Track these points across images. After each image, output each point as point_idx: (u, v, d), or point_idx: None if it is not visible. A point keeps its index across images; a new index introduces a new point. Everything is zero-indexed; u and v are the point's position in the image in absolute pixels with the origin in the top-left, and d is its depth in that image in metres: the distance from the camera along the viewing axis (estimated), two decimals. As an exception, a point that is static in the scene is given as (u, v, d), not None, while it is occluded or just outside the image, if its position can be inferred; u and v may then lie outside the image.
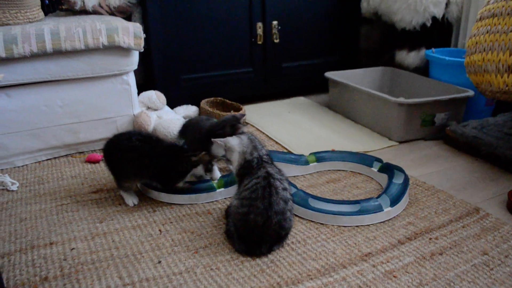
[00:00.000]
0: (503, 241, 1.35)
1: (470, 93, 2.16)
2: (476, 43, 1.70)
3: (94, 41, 1.79)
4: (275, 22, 2.57)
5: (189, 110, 2.37)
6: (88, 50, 1.81)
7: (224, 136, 1.38)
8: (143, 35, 1.90)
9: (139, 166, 1.49)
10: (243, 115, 1.62)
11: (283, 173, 1.30)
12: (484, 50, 1.65)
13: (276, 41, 2.61)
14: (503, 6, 1.60)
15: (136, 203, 1.55)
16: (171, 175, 1.53)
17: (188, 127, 1.81)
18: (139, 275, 1.20)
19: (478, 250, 1.31)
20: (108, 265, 1.24)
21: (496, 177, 1.78)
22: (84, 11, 2.32)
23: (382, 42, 3.14)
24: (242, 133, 1.44)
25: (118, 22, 1.87)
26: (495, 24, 1.62)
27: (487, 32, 1.65)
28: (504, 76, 1.59)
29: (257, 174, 1.25)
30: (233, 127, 1.56)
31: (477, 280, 1.18)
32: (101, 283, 1.16)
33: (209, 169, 1.65)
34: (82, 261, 1.26)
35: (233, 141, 1.34)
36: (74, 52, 1.79)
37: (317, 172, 1.81)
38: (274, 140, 2.11)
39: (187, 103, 2.43)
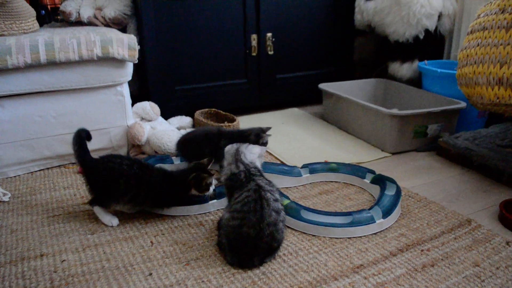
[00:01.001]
0: (495, 253, 1.35)
1: (462, 104, 2.17)
2: (467, 55, 1.72)
3: (88, 53, 1.80)
4: (269, 34, 2.59)
5: (183, 121, 2.38)
6: (82, 61, 1.82)
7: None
8: (137, 47, 1.91)
9: (137, 194, 1.45)
10: (269, 128, 1.72)
11: (273, 184, 1.30)
12: (475, 62, 1.67)
13: (271, 52, 2.63)
14: (493, 20, 1.62)
15: (115, 224, 1.49)
16: (175, 201, 1.53)
17: (192, 140, 1.81)
18: (129, 287, 1.19)
19: (470, 261, 1.31)
20: (98, 277, 1.23)
21: (488, 189, 1.78)
22: (79, 23, 2.34)
23: (375, 54, 3.17)
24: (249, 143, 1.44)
25: (113, 33, 1.88)
26: (485, 37, 1.64)
27: (478, 45, 1.67)
28: (494, 88, 1.60)
29: (247, 187, 1.25)
30: (257, 136, 1.67)
31: (469, 292, 1.18)
32: (92, 296, 1.16)
33: None
34: (72, 273, 1.25)
35: (227, 148, 1.36)
36: (68, 63, 1.80)
37: (310, 183, 1.81)
38: (268, 151, 2.11)
39: (181, 114, 2.44)
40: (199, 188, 1.47)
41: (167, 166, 1.81)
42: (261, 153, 1.38)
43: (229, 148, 1.38)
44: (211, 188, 1.49)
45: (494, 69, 1.59)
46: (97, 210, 1.49)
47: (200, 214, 1.56)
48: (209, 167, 1.49)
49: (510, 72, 1.54)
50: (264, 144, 1.70)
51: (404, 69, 2.70)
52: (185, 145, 1.81)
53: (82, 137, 1.51)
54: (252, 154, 1.34)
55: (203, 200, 1.57)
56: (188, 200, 1.54)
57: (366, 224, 1.43)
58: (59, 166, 1.96)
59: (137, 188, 1.44)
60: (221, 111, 2.46)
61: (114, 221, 1.49)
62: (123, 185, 1.43)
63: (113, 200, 1.47)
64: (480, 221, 1.54)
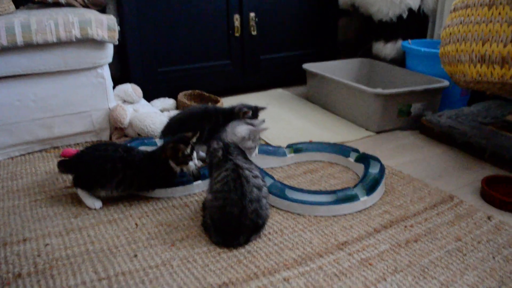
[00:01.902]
0: (476, 228, 1.38)
1: (446, 83, 2.19)
2: (450, 34, 1.72)
3: (66, 34, 1.75)
4: (252, 14, 2.56)
5: (166, 103, 2.35)
6: (60, 43, 1.78)
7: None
8: (117, 28, 1.87)
9: (124, 177, 1.44)
10: (263, 108, 1.73)
11: (251, 161, 1.30)
12: (458, 40, 1.67)
13: (254, 33, 2.60)
14: (476, -3, 1.62)
15: (98, 206, 1.47)
16: (158, 180, 1.52)
17: (189, 119, 1.74)
18: (114, 269, 1.18)
19: (452, 236, 1.33)
20: (83, 260, 1.22)
21: (470, 166, 1.81)
22: (57, 4, 2.26)
23: (359, 34, 3.16)
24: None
25: (92, 14, 1.83)
26: (468, 15, 1.64)
27: (461, 23, 1.67)
28: (477, 66, 1.61)
29: (225, 167, 1.25)
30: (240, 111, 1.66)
31: (451, 265, 1.20)
32: (76, 278, 1.15)
33: None
34: (56, 257, 1.24)
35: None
36: (46, 45, 1.75)
37: (295, 163, 1.81)
38: (252, 132, 2.11)
39: (164, 96, 2.41)
40: (176, 159, 1.44)
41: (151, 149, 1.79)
42: (247, 136, 1.33)
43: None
44: (192, 164, 1.47)
45: (477, 47, 1.60)
46: (81, 192, 1.48)
47: (185, 195, 1.56)
48: (193, 139, 1.46)
49: (492, 49, 1.55)
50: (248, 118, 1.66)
51: (388, 49, 2.70)
52: (180, 124, 1.71)
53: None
54: (235, 135, 1.32)
55: (187, 181, 1.56)
56: (172, 178, 1.52)
57: (351, 202, 1.44)
58: (40, 150, 1.92)
59: (123, 170, 1.43)
60: (205, 93, 2.44)
61: (97, 203, 1.48)
62: (110, 169, 1.42)
63: (101, 185, 1.45)
64: (463, 197, 1.56)
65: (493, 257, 1.24)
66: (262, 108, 1.74)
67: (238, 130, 1.30)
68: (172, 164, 1.46)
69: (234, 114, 1.66)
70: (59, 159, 1.67)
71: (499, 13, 1.53)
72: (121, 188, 1.47)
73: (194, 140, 1.46)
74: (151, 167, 1.47)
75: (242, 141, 1.30)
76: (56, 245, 1.29)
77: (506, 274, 1.17)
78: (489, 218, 1.43)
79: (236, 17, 2.53)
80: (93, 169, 1.44)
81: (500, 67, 1.54)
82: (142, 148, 1.75)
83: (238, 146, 1.30)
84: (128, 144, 1.80)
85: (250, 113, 1.65)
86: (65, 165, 1.53)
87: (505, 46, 1.51)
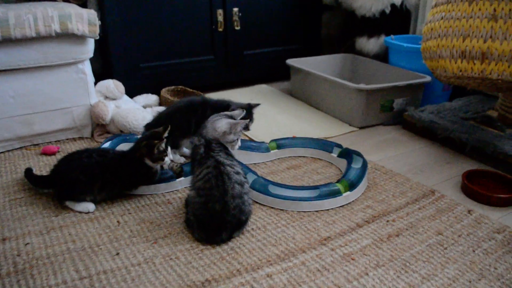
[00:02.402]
0: (457, 221, 1.39)
1: (427, 79, 2.21)
2: (432, 29, 1.74)
3: (46, 29, 1.72)
4: (235, 9, 2.55)
5: (149, 99, 2.33)
6: (40, 38, 1.74)
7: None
8: (98, 22, 1.85)
9: (105, 181, 1.43)
10: (258, 104, 1.72)
11: (233, 157, 1.30)
12: (439, 36, 1.69)
13: (237, 28, 2.59)
14: (456, -7, 1.64)
15: (92, 209, 1.43)
16: (138, 179, 1.50)
17: (175, 112, 1.72)
18: (96, 267, 1.17)
19: (433, 230, 1.35)
20: (64, 259, 1.20)
21: (451, 160, 1.83)
22: (36, -2, 2.23)
23: (343, 29, 3.17)
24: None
25: (72, 8, 1.80)
26: (449, 11, 1.66)
27: (442, 18, 1.68)
28: (458, 61, 1.63)
29: (206, 164, 1.24)
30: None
31: (432, 259, 1.22)
32: (57, 278, 1.13)
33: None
34: (37, 256, 1.22)
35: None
36: (25, 40, 1.72)
37: (278, 158, 1.81)
38: (236, 128, 2.10)
39: (147, 92, 2.38)
40: (151, 156, 1.43)
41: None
42: (227, 130, 1.31)
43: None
44: (167, 159, 1.46)
45: (457, 42, 1.61)
46: (68, 203, 1.45)
47: (167, 192, 1.55)
48: (165, 134, 1.44)
49: (473, 45, 1.56)
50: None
51: (370, 44, 2.71)
52: (167, 118, 1.67)
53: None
54: (215, 131, 1.30)
55: (170, 178, 1.55)
56: (152, 175, 1.50)
57: (333, 197, 1.45)
58: (20, 148, 1.89)
59: (102, 175, 1.42)
60: (188, 88, 2.42)
61: (90, 206, 1.44)
62: (88, 177, 1.41)
63: (85, 193, 1.43)
64: (444, 191, 1.58)
65: (473, 250, 1.26)
66: (256, 105, 1.73)
67: (218, 125, 1.29)
68: (148, 162, 1.44)
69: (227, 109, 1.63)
70: (38, 174, 1.63)
71: (479, 9, 1.54)
72: (105, 192, 1.45)
73: (166, 134, 1.45)
74: (129, 167, 1.46)
75: (223, 136, 1.29)
76: (36, 244, 1.27)
77: (486, 267, 1.19)
78: (469, 212, 1.45)
79: (220, 12, 2.51)
80: (71, 181, 1.41)
81: (480, 63, 1.56)
82: (125, 145, 1.74)
83: (220, 142, 1.29)
84: (109, 142, 1.78)
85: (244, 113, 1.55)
86: (43, 182, 1.53)
87: (485, 41, 1.53)
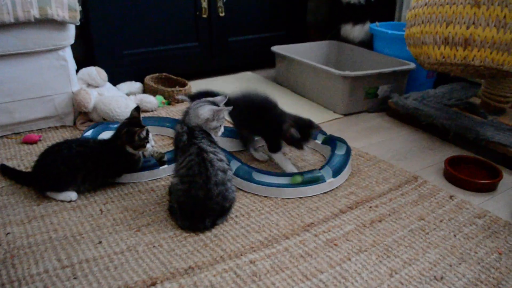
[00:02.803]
0: (439, 207, 1.41)
1: (412, 65, 2.21)
2: (415, 15, 1.74)
3: (24, 14, 1.68)
4: (220, -5, 2.52)
5: (133, 87, 2.30)
6: (18, 24, 1.70)
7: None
8: (78, 8, 1.81)
9: (88, 171, 1.41)
10: (318, 127, 1.56)
11: (216, 144, 1.29)
12: (422, 22, 1.69)
13: (222, 14, 2.56)
14: (440, -21, 1.63)
15: (74, 198, 1.42)
16: (121, 167, 1.49)
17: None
18: (78, 256, 1.16)
19: (415, 216, 1.36)
20: (45, 248, 1.19)
21: (434, 147, 1.85)
22: (15, -17, 2.18)
23: (328, 16, 3.16)
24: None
25: (51, -7, 1.76)
26: (432, -3, 1.66)
27: (425, 4, 1.68)
28: (441, 48, 1.63)
29: (189, 151, 1.23)
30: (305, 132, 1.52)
31: (413, 244, 1.23)
32: (38, 267, 1.12)
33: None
34: (18, 246, 1.20)
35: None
36: (3, 26, 1.67)
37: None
38: (221, 116, 2.09)
39: (130, 79, 2.35)
40: (132, 143, 1.42)
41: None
42: (210, 117, 1.30)
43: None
44: (149, 146, 1.45)
45: (441, 29, 1.61)
46: (50, 193, 1.42)
47: (151, 180, 1.53)
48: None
49: (456, 31, 1.57)
50: None
51: (356, 31, 2.71)
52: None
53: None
54: (198, 118, 1.29)
55: (153, 165, 1.54)
56: (135, 163, 1.49)
57: (317, 184, 1.45)
58: (0, 137, 1.86)
59: (84, 164, 1.40)
60: (172, 76, 2.40)
61: (73, 194, 1.42)
62: (70, 167, 1.39)
63: (68, 185, 1.41)
64: (426, 177, 1.59)
65: (454, 235, 1.27)
66: (317, 127, 1.55)
67: (201, 112, 1.28)
68: (130, 149, 1.43)
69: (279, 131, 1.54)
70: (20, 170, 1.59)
71: (462, -5, 1.55)
72: (88, 183, 1.43)
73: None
74: (110, 155, 1.44)
75: (206, 123, 1.28)
76: (17, 233, 1.25)
77: (466, 251, 1.21)
78: (451, 197, 1.47)
79: (204, -2, 2.48)
80: (53, 173, 1.39)
81: (463, 49, 1.57)
82: (108, 133, 1.72)
83: (202, 129, 1.28)
84: (92, 130, 1.76)
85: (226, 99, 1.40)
86: (24, 178, 1.50)
87: (467, 28, 1.54)
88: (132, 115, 1.47)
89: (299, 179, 1.45)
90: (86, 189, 1.45)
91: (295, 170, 1.56)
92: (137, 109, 1.47)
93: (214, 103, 1.33)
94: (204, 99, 1.36)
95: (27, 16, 1.68)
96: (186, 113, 1.31)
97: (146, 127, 1.43)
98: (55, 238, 1.23)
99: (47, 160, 1.42)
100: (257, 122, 1.61)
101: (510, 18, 1.50)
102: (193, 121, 1.28)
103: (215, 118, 1.28)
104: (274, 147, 1.58)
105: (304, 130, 1.49)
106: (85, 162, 1.40)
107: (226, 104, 1.36)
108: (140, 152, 1.48)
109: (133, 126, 1.42)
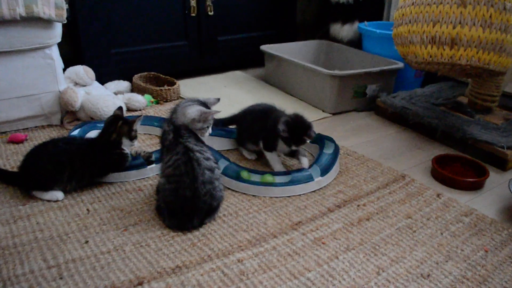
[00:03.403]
0: (426, 205, 1.42)
1: (400, 65, 2.23)
2: (403, 15, 1.74)
3: (10, 12, 1.66)
4: (208, -6, 2.51)
5: (121, 86, 2.28)
6: (4, 22, 1.68)
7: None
8: (65, 6, 1.79)
9: (74, 169, 1.40)
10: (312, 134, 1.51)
11: (203, 143, 1.28)
12: (410, 22, 1.70)
13: (211, 13, 2.56)
14: (427, -21, 1.64)
15: (60, 197, 1.40)
16: (109, 165, 1.48)
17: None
18: (64, 256, 1.15)
19: (403, 214, 1.37)
20: (31, 248, 1.18)
21: (422, 145, 1.86)
22: (0, -20, 2.15)
23: (317, 16, 3.17)
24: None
25: (37, -9, 1.74)
26: (420, -4, 1.67)
27: (413, 4, 1.69)
28: (428, 47, 1.64)
29: (175, 150, 1.22)
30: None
31: (401, 242, 1.24)
32: (24, 267, 1.11)
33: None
34: (3, 246, 1.19)
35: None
36: (-12, 24, 1.66)
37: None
38: (210, 115, 2.08)
39: (118, 78, 2.34)
40: (129, 134, 1.46)
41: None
42: (197, 118, 1.29)
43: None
44: (136, 142, 1.50)
45: (428, 28, 1.62)
46: (36, 193, 1.41)
47: (138, 179, 1.53)
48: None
49: (443, 30, 1.58)
50: None
51: (345, 31, 2.72)
52: (240, 118, 1.71)
53: None
54: (184, 117, 1.28)
55: (141, 164, 1.53)
56: (124, 160, 1.49)
57: (305, 183, 1.45)
58: (-14, 135, 1.84)
59: (70, 162, 1.39)
60: (161, 75, 2.39)
61: (59, 194, 1.40)
62: (56, 164, 1.37)
63: (53, 183, 1.39)
64: (414, 176, 1.60)
65: (441, 233, 1.28)
66: (309, 136, 1.50)
67: (188, 111, 1.27)
68: (126, 141, 1.45)
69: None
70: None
71: (449, -5, 1.56)
72: (74, 182, 1.42)
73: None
74: (99, 152, 1.43)
75: (192, 123, 1.27)
76: (2, 233, 1.24)
77: (453, 249, 1.22)
78: (438, 195, 1.48)
79: (192, -4, 2.47)
80: (38, 171, 1.38)
81: (449, 48, 1.58)
82: (95, 132, 1.71)
83: (189, 128, 1.27)
84: (79, 129, 1.75)
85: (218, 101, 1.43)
86: (10, 177, 1.48)
87: (454, 27, 1.55)
88: (115, 113, 1.49)
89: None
90: (72, 188, 1.43)
91: (282, 169, 1.56)
92: (120, 108, 1.50)
93: (205, 104, 1.32)
94: (195, 98, 1.36)
95: (13, 14, 1.66)
96: (174, 111, 1.30)
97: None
98: (41, 238, 1.22)
99: (33, 158, 1.41)
100: (257, 125, 1.61)
101: (495, 18, 1.51)
102: (179, 119, 1.27)
103: (201, 119, 1.28)
104: (269, 146, 1.58)
105: (296, 132, 1.48)
106: (72, 160, 1.39)
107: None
108: (129, 150, 1.47)
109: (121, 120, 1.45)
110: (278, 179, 1.45)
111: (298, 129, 1.49)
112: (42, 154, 1.40)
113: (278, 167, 1.57)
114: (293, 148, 1.52)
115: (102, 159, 1.44)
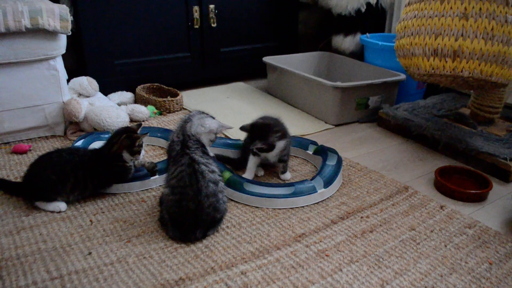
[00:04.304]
0: (429, 217, 1.42)
1: (402, 76, 2.23)
2: (405, 27, 1.76)
3: (15, 24, 1.68)
4: (212, 6, 2.53)
5: (124, 97, 2.30)
6: (9, 34, 1.70)
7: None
8: (70, 18, 1.81)
9: (77, 180, 1.40)
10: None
11: (209, 155, 1.29)
12: (412, 34, 1.71)
13: (214, 25, 2.58)
14: (429, -8, 1.66)
15: (63, 208, 1.40)
16: (112, 176, 1.48)
17: None
18: (67, 267, 1.15)
19: (406, 226, 1.37)
20: (34, 259, 1.18)
21: (424, 157, 1.86)
22: (6, -8, 2.17)
23: (319, 27, 3.19)
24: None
25: (42, 3, 1.76)
26: (422, 9, 1.68)
27: (415, 16, 1.70)
28: (430, 59, 1.65)
29: (180, 162, 1.23)
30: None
31: (405, 254, 1.23)
32: (27, 279, 1.11)
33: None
34: (6, 257, 1.19)
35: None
36: (-6, 36, 1.67)
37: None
38: (212, 126, 2.09)
39: (121, 89, 2.35)
40: (131, 149, 1.43)
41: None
42: (215, 130, 1.32)
43: (182, 116, 1.36)
44: (142, 151, 1.48)
45: (430, 40, 1.63)
46: (39, 204, 1.41)
47: (142, 190, 1.53)
48: (139, 131, 1.48)
49: (445, 43, 1.59)
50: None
51: (347, 42, 2.73)
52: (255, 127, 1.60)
53: None
54: (202, 127, 1.30)
55: (144, 176, 1.53)
56: (126, 172, 1.48)
57: (308, 194, 1.45)
58: (-10, 146, 1.84)
59: (73, 173, 1.39)
60: (164, 86, 2.40)
61: (62, 205, 1.41)
62: (59, 175, 1.38)
63: (56, 193, 1.39)
64: (417, 187, 1.60)
65: (445, 245, 1.28)
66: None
67: (207, 123, 1.30)
68: (126, 155, 1.44)
69: None
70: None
71: (451, 7, 1.57)
72: (77, 192, 1.42)
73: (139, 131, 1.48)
74: (102, 163, 1.43)
75: (208, 134, 1.30)
76: (6, 244, 1.24)
77: (457, 261, 1.21)
78: (441, 207, 1.47)
79: (196, 8, 2.49)
80: (41, 180, 1.38)
81: (452, 60, 1.59)
82: (98, 143, 1.71)
83: (198, 140, 1.29)
84: (83, 140, 1.75)
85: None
86: (14, 188, 1.48)
87: (456, 39, 1.56)
88: (129, 126, 1.50)
89: (227, 175, 1.49)
90: (75, 198, 1.43)
91: (250, 177, 1.57)
92: (139, 125, 1.50)
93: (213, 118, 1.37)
94: (200, 110, 1.38)
95: (18, 26, 1.68)
96: (188, 120, 1.31)
97: (145, 134, 1.48)
98: (44, 249, 1.22)
99: (37, 169, 1.41)
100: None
101: (497, 30, 1.52)
102: (194, 129, 1.29)
103: (218, 131, 1.33)
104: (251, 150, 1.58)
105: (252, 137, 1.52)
106: (75, 170, 1.39)
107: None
108: (132, 162, 1.47)
109: (133, 133, 1.45)
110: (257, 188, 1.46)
111: (255, 134, 1.52)
112: (46, 165, 1.40)
113: (248, 173, 1.58)
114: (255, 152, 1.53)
115: (104, 170, 1.44)
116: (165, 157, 1.68)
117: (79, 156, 1.43)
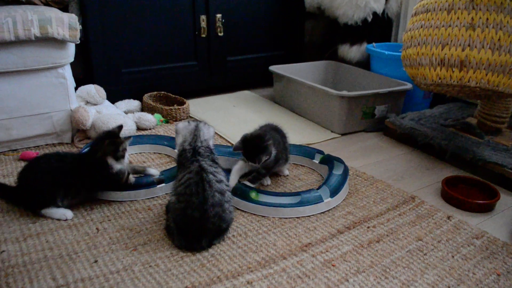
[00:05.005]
0: (436, 227, 1.41)
1: (408, 86, 2.23)
2: (411, 37, 1.76)
3: (25, 32, 1.70)
4: (219, 15, 2.55)
5: (131, 105, 2.31)
6: (19, 42, 1.71)
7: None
8: (79, 27, 1.83)
9: (68, 185, 1.41)
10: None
11: (218, 164, 1.30)
12: (419, 44, 1.71)
13: (221, 34, 2.59)
14: (435, 2, 1.66)
15: (69, 216, 1.41)
16: (100, 181, 1.47)
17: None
18: (74, 275, 1.15)
19: (413, 236, 1.36)
20: (41, 267, 1.18)
21: (431, 167, 1.85)
22: (16, 1, 2.20)
23: (326, 37, 3.20)
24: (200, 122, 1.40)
25: (52, 12, 1.78)
26: (428, 19, 1.68)
27: (421, 26, 1.71)
28: (437, 69, 1.65)
29: (190, 169, 1.24)
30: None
31: (411, 265, 1.22)
32: (33, 286, 1.11)
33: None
34: (12, 264, 1.19)
35: (180, 125, 1.36)
36: (3, 44, 1.69)
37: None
38: (218, 134, 2.09)
39: (129, 97, 2.37)
40: (115, 154, 1.41)
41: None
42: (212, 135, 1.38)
43: (186, 125, 1.37)
44: (127, 155, 1.44)
45: (436, 50, 1.64)
46: (46, 211, 1.41)
47: (148, 198, 1.53)
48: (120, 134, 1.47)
49: (451, 53, 1.59)
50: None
51: (353, 52, 2.74)
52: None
53: None
54: (209, 133, 1.34)
55: (151, 183, 1.53)
56: (113, 176, 1.44)
57: (315, 204, 1.45)
58: (-3, 153, 1.86)
59: (63, 179, 1.39)
60: (171, 94, 2.41)
61: (68, 213, 1.41)
62: (49, 183, 1.38)
63: (52, 198, 1.40)
64: (424, 197, 1.59)
65: (452, 256, 1.27)
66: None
67: (211, 129, 1.37)
68: (111, 160, 1.41)
69: None
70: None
71: (458, 18, 1.57)
72: (70, 197, 1.43)
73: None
74: (88, 169, 1.42)
75: (213, 138, 1.40)
76: (12, 251, 1.24)
77: (465, 272, 1.20)
78: (449, 217, 1.46)
79: (203, 18, 2.51)
80: (35, 189, 1.39)
81: (458, 70, 1.59)
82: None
83: (209, 148, 1.30)
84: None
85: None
86: (13, 195, 1.48)
87: (463, 49, 1.56)
88: (110, 130, 1.48)
89: (253, 195, 1.48)
90: (69, 203, 1.43)
91: (232, 183, 1.52)
92: (119, 127, 1.48)
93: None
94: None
95: (28, 35, 1.70)
96: (196, 129, 1.33)
97: (127, 140, 1.45)
98: (50, 257, 1.22)
99: (28, 175, 1.41)
100: None
101: (504, 41, 1.52)
102: (206, 136, 1.32)
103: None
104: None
105: (248, 150, 1.50)
106: (64, 177, 1.39)
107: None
108: (119, 166, 1.44)
109: (116, 137, 1.43)
110: (264, 197, 1.46)
111: (250, 149, 1.49)
112: (35, 172, 1.40)
113: (232, 178, 1.54)
114: (251, 164, 1.51)
115: (91, 174, 1.43)
116: (172, 165, 1.70)
117: (67, 162, 1.43)
